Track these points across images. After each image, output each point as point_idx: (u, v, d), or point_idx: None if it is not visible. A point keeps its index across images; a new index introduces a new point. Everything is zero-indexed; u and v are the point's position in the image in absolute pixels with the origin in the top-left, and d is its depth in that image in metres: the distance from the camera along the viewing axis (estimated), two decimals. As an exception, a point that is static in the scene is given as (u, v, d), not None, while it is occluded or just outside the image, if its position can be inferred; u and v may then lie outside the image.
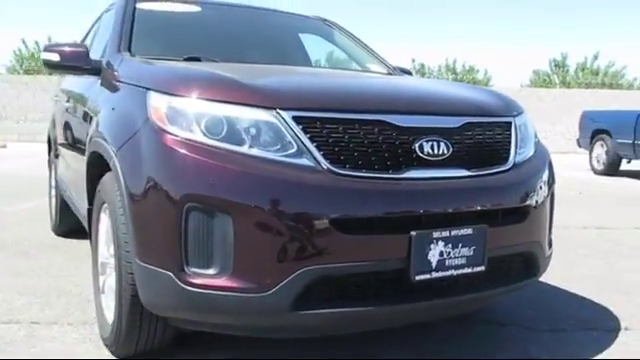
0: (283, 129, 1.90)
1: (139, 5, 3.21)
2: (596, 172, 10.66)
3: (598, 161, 10.72)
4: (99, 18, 3.96)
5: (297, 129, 1.89)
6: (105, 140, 2.26)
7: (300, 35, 3.81)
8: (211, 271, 1.83)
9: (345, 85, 2.44)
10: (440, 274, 1.95)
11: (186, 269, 1.84)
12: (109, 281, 2.37)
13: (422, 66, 21.52)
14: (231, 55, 3.07)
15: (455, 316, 2.66)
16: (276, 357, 2.35)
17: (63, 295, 3.09)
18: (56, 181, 4.38)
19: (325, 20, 3.87)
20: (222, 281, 1.82)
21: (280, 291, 1.79)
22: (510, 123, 2.33)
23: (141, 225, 1.95)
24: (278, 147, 1.89)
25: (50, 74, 18.77)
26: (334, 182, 1.86)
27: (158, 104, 2.00)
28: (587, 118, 11.34)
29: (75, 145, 3.23)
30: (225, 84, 2.05)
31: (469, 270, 2.01)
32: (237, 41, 3.36)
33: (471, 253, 2.00)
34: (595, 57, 21.49)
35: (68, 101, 3.56)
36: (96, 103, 2.76)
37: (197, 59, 2.79)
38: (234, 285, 1.81)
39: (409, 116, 2.04)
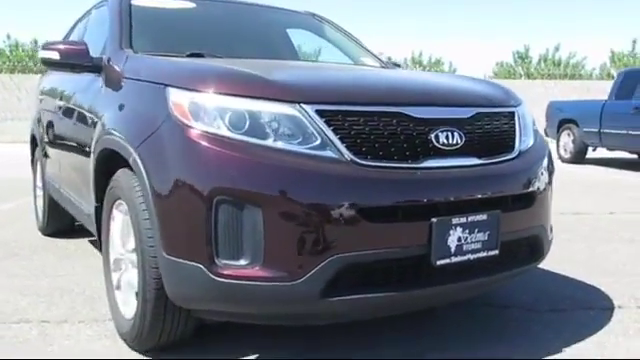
0: (307, 122, 1.95)
1: (133, 2, 3.21)
2: (564, 160, 10.96)
3: (565, 150, 11.02)
4: (87, 13, 3.92)
5: (320, 122, 1.95)
6: (120, 137, 2.27)
7: (291, 30, 3.85)
8: (242, 262, 1.88)
9: (362, 79, 2.51)
10: (459, 259, 2.04)
11: (217, 261, 1.88)
12: (126, 277, 2.39)
13: (389, 59, 21.66)
14: (227, 50, 3.09)
15: (457, 301, 2.75)
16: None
17: (66, 294, 3.08)
18: (43, 181, 4.32)
19: (314, 15, 3.92)
20: (253, 271, 1.87)
21: (310, 279, 1.85)
22: (513, 113, 2.43)
23: (168, 219, 1.97)
24: (302, 140, 1.95)
25: (12, 72, 18.43)
26: (358, 173, 1.93)
27: (180, 100, 2.03)
28: (554, 108, 11.64)
29: (73, 144, 3.21)
30: (247, 79, 2.09)
31: (484, 254, 2.11)
32: (231, 36, 3.38)
33: (486, 238, 2.10)
34: (556, 49, 22.04)
35: (61, 99, 3.52)
36: (100, 101, 2.75)
37: (200, 55, 2.81)
38: (265, 275, 1.86)
39: (424, 107, 2.12)
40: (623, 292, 3.12)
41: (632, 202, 6.36)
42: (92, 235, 4.26)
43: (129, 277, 2.35)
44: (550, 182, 2.47)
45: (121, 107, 2.44)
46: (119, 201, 2.39)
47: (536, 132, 2.60)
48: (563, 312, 2.83)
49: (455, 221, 2.02)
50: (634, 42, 22.49)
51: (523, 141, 2.41)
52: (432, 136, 2.07)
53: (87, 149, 2.84)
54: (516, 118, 2.43)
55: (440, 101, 2.22)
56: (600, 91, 14.13)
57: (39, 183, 4.64)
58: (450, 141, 2.10)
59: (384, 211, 1.93)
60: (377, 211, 1.92)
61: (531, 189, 2.30)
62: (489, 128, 2.27)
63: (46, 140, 4.05)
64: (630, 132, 9.54)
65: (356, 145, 1.96)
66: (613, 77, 18.24)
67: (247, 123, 1.94)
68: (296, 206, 1.86)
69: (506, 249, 2.19)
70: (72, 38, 4.23)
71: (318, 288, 1.86)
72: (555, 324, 2.66)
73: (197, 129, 1.95)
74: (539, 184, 2.35)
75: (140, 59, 2.62)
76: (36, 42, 20.60)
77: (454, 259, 2.03)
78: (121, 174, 2.33)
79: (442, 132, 2.09)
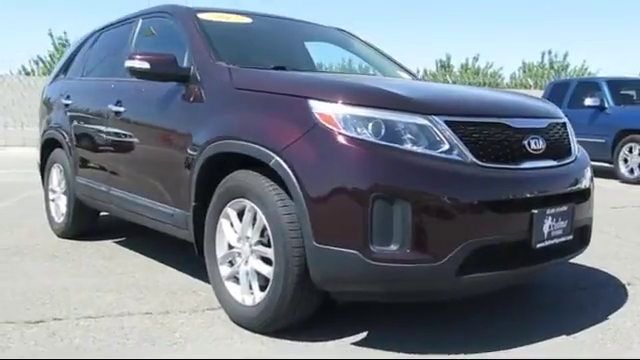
0: (437, 131, 2.34)
1: (199, 15, 3.45)
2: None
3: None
4: (128, 22, 4.05)
5: (449, 131, 2.35)
6: (251, 143, 2.54)
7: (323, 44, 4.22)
8: (392, 247, 2.23)
9: (472, 95, 2.93)
10: (548, 242, 2.51)
11: (371, 247, 2.23)
12: (246, 268, 2.65)
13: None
14: (293, 63, 3.42)
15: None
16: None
17: (144, 290, 3.26)
18: (69, 184, 4.38)
19: (343, 30, 4.30)
20: (402, 255, 2.23)
21: (450, 261, 2.24)
22: (565, 123, 2.94)
23: (323, 214, 2.29)
24: (431, 145, 2.33)
25: None
26: (480, 172, 2.35)
27: (326, 111, 2.35)
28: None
29: (147, 149, 3.37)
30: (386, 95, 2.47)
31: (563, 239, 2.59)
32: (289, 50, 3.71)
33: (565, 225, 2.58)
34: (476, 58, 23.64)
35: (117, 104, 3.65)
36: (195, 109, 2.98)
37: (282, 68, 3.12)
38: (413, 258, 2.23)
39: (518, 119, 2.59)
40: (622, 272, 3.72)
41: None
42: (115, 237, 4.46)
43: (252, 267, 2.61)
44: (593, 181, 2.99)
45: (237, 116, 2.71)
46: (237, 199, 2.65)
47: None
48: (587, 290, 3.38)
49: (548, 212, 2.48)
50: (543, 54, 24.48)
51: (575, 147, 2.92)
52: (525, 142, 2.53)
53: (175, 153, 3.05)
54: (567, 128, 2.93)
55: (527, 113, 2.69)
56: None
57: (56, 187, 4.69)
58: (537, 146, 2.56)
59: (501, 204, 2.36)
60: (497, 204, 2.35)
61: (588, 186, 2.82)
62: (557, 136, 2.76)
63: (84, 145, 4.14)
64: (560, 137, 10.57)
65: (475, 149, 2.38)
66: (527, 86, 19.79)
67: (391, 131, 2.31)
68: (438, 200, 2.25)
69: (575, 235, 2.68)
70: (102, 47, 4.37)
71: (455, 268, 2.26)
72: (588, 299, 3.19)
73: (349, 136, 2.29)
74: (590, 182, 2.87)
75: (254, 72, 2.91)
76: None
77: (546, 242, 2.50)
78: (245, 175, 2.61)
79: (532, 139, 2.56)
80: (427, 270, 2.24)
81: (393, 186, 2.23)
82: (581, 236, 2.89)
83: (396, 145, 2.29)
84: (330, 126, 2.33)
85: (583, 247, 2.90)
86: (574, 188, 2.71)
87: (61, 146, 4.50)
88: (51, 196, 4.79)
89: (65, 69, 4.91)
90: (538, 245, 2.45)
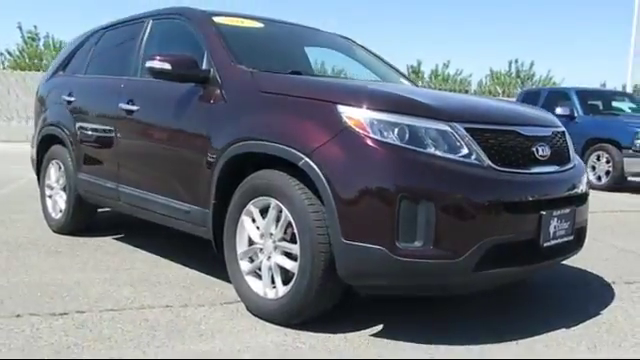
0: (458, 136, 2.52)
1: (215, 19, 3.56)
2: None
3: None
4: (136, 22, 4.11)
5: (468, 136, 2.53)
6: (279, 144, 2.66)
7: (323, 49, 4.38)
8: (416, 244, 2.39)
9: (487, 105, 3.10)
10: (554, 242, 2.71)
11: (397, 244, 2.38)
12: (268, 263, 2.77)
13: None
14: (306, 68, 3.57)
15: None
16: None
17: (157, 284, 3.34)
18: (70, 180, 4.41)
19: (347, 38, 4.45)
20: (425, 251, 2.39)
21: (469, 257, 2.42)
22: (564, 132, 3.15)
23: (351, 212, 2.43)
24: (455, 150, 2.51)
25: None
26: (496, 175, 2.53)
27: (355, 116, 2.50)
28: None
29: (161, 148, 3.44)
30: (411, 102, 2.63)
31: (566, 239, 2.80)
32: (301, 55, 3.84)
33: (567, 226, 2.79)
34: (446, 65, 24.13)
35: (129, 103, 3.71)
36: (215, 110, 3.08)
37: (298, 73, 3.26)
38: (435, 254, 2.39)
39: (528, 127, 2.80)
40: (606, 273, 3.96)
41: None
42: (114, 234, 4.52)
43: (275, 262, 2.74)
44: (588, 186, 3.21)
45: (263, 118, 2.83)
46: (261, 197, 2.78)
47: (571, 148, 3.34)
48: (578, 288, 3.61)
49: (554, 213, 2.68)
50: (510, 63, 25.18)
51: (573, 154, 3.13)
52: (534, 149, 2.73)
53: (193, 152, 3.16)
54: (566, 136, 3.15)
55: (534, 122, 2.91)
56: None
57: (54, 183, 4.71)
58: (543, 153, 2.77)
59: (514, 205, 2.56)
60: (510, 205, 2.54)
61: (585, 190, 3.04)
62: (559, 143, 2.98)
63: (88, 142, 4.18)
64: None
65: (491, 154, 2.56)
66: (496, 94, 20.32)
67: (414, 136, 2.47)
68: (459, 200, 2.42)
69: (575, 236, 2.90)
70: (108, 46, 4.42)
71: (473, 264, 2.43)
72: (580, 297, 3.42)
73: (376, 139, 2.44)
74: (587, 187, 3.09)
75: (279, 77, 3.04)
76: None
77: (552, 242, 2.70)
78: (270, 174, 2.73)
79: (539, 146, 2.76)
80: (447, 265, 2.41)
81: (419, 187, 2.40)
82: (578, 237, 3.10)
83: (420, 149, 2.46)
84: (358, 130, 2.48)
85: (580, 247, 3.11)
86: (575, 192, 2.92)
87: (61, 142, 4.53)
88: (48, 192, 4.81)
89: (64, 66, 4.93)
90: (545, 244, 2.65)
